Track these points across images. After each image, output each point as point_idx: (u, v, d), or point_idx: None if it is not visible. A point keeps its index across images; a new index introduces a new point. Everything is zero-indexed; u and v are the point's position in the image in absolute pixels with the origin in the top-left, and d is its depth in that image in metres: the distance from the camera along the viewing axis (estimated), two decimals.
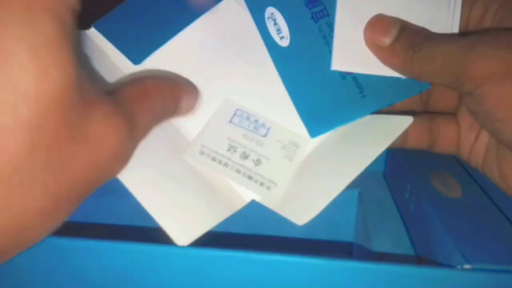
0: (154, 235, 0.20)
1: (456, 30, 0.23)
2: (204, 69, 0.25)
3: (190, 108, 0.24)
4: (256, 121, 0.24)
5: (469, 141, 0.26)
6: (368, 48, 0.24)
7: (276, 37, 0.24)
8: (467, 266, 0.20)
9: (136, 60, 0.25)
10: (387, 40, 0.23)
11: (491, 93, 0.20)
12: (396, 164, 0.34)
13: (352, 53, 0.24)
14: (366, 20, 0.24)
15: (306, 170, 0.23)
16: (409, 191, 0.29)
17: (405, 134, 0.26)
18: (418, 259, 0.25)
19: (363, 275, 0.20)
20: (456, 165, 0.30)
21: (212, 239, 0.21)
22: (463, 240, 0.21)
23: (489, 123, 0.21)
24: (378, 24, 0.23)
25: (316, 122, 0.24)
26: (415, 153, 0.32)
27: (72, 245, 0.21)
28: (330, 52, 0.24)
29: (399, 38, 0.23)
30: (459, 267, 0.20)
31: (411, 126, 0.26)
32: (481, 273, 0.20)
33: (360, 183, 0.34)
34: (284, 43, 0.24)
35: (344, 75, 0.24)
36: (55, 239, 0.21)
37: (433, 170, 0.29)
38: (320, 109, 0.24)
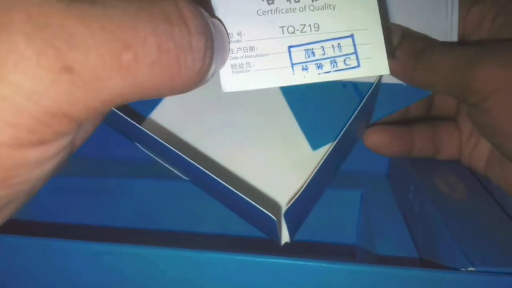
0: (148, 236, 0.20)
1: (455, 36, 0.23)
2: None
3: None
4: None
5: (470, 146, 0.26)
6: None
7: None
8: (471, 269, 0.20)
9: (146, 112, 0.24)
10: None
11: (496, 108, 0.20)
12: (399, 165, 0.34)
13: None
14: None
15: None
16: (412, 193, 0.29)
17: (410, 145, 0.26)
18: (422, 262, 0.25)
19: (366, 278, 0.20)
20: (460, 166, 0.30)
21: (212, 242, 0.21)
22: (467, 243, 0.21)
23: (492, 136, 0.21)
24: None
25: (317, 133, 0.24)
26: None
27: (67, 247, 0.21)
28: None
29: (400, 45, 0.23)
30: (463, 270, 0.20)
31: (416, 135, 0.26)
32: (485, 276, 0.19)
33: (363, 185, 0.33)
34: None
35: (345, 83, 0.24)
36: (47, 240, 0.21)
37: (437, 171, 0.29)
38: (321, 120, 0.24)
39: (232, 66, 0.16)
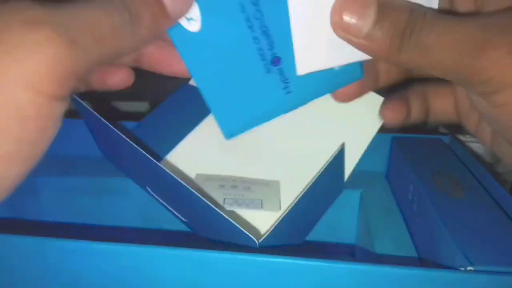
0: (149, 236, 0.20)
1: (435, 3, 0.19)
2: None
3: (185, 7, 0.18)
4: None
5: (473, 120, 0.24)
6: (339, 37, 0.19)
7: (182, 19, 0.19)
8: (470, 268, 0.20)
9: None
10: (364, 27, 0.18)
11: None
12: (398, 165, 0.34)
13: (318, 48, 0.19)
14: (330, 2, 0.18)
15: None
16: (411, 192, 0.29)
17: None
18: (421, 261, 0.25)
19: (365, 278, 0.20)
20: (459, 165, 0.30)
21: (212, 241, 0.21)
22: (466, 242, 0.21)
23: (505, 131, 0.19)
24: (348, 5, 0.18)
25: (231, 122, 0.21)
26: (418, 154, 0.32)
27: (68, 247, 0.21)
28: (254, 38, 0.19)
29: (380, 21, 0.18)
30: (462, 269, 0.20)
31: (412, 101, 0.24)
32: (484, 275, 0.19)
33: (363, 184, 0.34)
34: (193, 27, 0.19)
35: (269, 68, 0.20)
36: (47, 240, 0.21)
37: (436, 171, 0.29)
38: (236, 108, 0.21)
39: None
